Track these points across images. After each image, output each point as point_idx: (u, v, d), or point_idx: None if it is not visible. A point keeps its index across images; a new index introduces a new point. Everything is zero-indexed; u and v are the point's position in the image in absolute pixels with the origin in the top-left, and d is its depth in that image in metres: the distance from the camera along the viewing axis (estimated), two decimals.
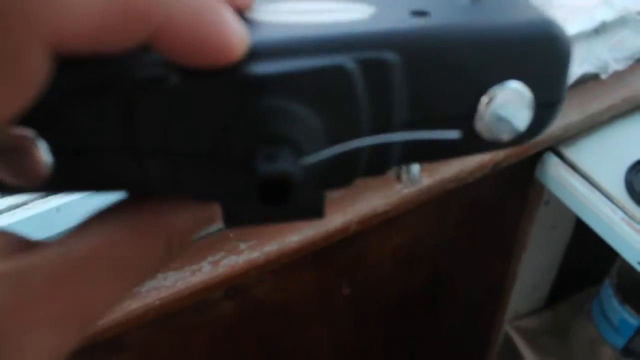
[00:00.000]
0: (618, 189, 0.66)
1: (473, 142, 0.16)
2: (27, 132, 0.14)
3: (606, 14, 0.77)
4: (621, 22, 0.77)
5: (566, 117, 0.70)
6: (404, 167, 0.64)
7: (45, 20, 0.11)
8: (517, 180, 0.79)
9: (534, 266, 0.95)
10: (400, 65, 0.14)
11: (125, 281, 0.16)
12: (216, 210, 0.18)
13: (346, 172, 0.15)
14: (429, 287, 0.92)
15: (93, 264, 0.15)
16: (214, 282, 0.61)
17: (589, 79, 0.74)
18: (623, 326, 0.83)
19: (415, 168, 0.64)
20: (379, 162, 0.15)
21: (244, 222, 0.17)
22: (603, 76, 0.73)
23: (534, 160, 0.73)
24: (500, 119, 0.15)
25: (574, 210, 0.70)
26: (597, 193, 0.67)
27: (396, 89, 0.14)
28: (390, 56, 0.14)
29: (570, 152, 0.70)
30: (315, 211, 0.16)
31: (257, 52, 0.13)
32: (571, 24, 0.76)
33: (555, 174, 0.71)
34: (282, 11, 0.16)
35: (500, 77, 0.15)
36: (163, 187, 0.16)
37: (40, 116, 0.13)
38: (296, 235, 0.63)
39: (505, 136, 0.16)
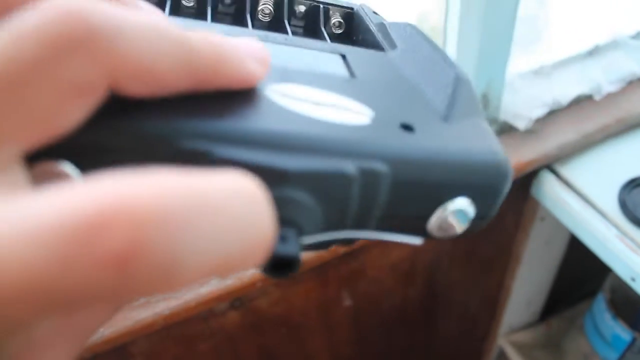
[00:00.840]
0: (612, 207, 0.68)
1: (421, 236, 0.20)
2: (67, 169, 0.14)
3: (599, 38, 0.80)
4: (614, 45, 0.81)
5: (561, 136, 0.73)
6: None
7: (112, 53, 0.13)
8: (514, 197, 0.81)
9: (529, 281, 0.97)
10: (388, 176, 0.17)
11: None
12: None
13: (325, 246, 0.19)
14: (425, 300, 0.94)
15: None
16: (221, 293, 0.63)
17: (584, 100, 0.76)
18: (615, 341, 0.86)
19: None
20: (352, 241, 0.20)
21: None
22: (597, 97, 0.76)
23: (530, 178, 0.76)
24: (445, 226, 0.19)
25: (568, 227, 0.72)
26: (592, 210, 0.69)
27: (380, 194, 0.17)
28: (382, 168, 0.17)
29: (566, 170, 0.73)
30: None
31: (282, 144, 0.16)
32: (566, 47, 0.79)
33: (551, 192, 0.73)
34: (293, 96, 0.18)
35: (456, 193, 0.19)
36: None
37: (82, 157, 0.14)
38: None
39: (444, 236, 0.19)
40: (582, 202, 0.70)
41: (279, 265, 0.15)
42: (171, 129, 0.15)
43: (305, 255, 0.64)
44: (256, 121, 0.16)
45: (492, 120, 0.72)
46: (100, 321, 0.16)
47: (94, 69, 0.12)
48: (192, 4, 0.25)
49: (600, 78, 0.76)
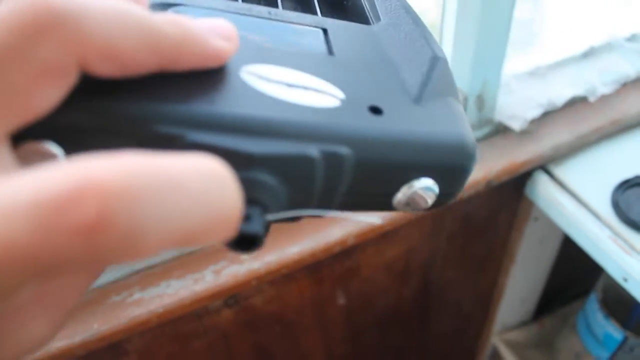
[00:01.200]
0: (605, 208, 0.69)
1: (388, 210, 0.21)
2: (51, 148, 0.16)
3: (594, 39, 0.80)
4: (608, 47, 0.81)
5: (556, 137, 0.73)
6: None
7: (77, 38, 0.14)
8: (508, 197, 0.81)
9: (522, 280, 0.97)
10: (352, 159, 0.18)
11: None
12: None
13: (292, 220, 0.20)
14: (419, 298, 0.94)
15: None
16: (215, 291, 0.63)
17: (578, 102, 0.77)
18: (607, 340, 0.86)
19: None
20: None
21: None
22: (591, 99, 0.77)
23: (525, 178, 0.76)
24: (411, 202, 0.20)
25: (562, 228, 0.73)
26: (585, 211, 0.70)
27: (344, 175, 0.18)
28: (346, 151, 0.18)
29: (560, 171, 0.73)
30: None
31: (250, 128, 0.17)
32: (561, 49, 0.79)
33: (545, 192, 0.74)
34: (266, 78, 0.19)
35: (421, 174, 0.19)
36: None
37: (65, 137, 0.16)
38: (296, 246, 0.65)
39: (410, 211, 0.20)
40: (576, 202, 0.71)
41: (244, 242, 0.16)
42: (145, 113, 0.16)
43: (300, 254, 0.64)
44: (227, 105, 0.17)
45: (488, 121, 0.72)
46: (78, 291, 0.17)
47: (62, 51, 0.13)
48: None
49: (594, 80, 0.77)
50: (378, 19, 0.25)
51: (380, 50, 0.22)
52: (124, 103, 0.16)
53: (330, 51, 0.22)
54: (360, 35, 0.23)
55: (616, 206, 0.69)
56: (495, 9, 0.60)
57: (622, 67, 0.79)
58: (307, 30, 0.23)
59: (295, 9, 0.25)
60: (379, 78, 0.21)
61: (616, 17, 0.81)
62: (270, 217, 0.17)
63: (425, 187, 0.19)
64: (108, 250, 0.11)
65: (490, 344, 1.09)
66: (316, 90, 0.19)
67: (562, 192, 0.72)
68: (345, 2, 0.28)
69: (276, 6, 0.24)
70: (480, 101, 0.69)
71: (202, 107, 0.17)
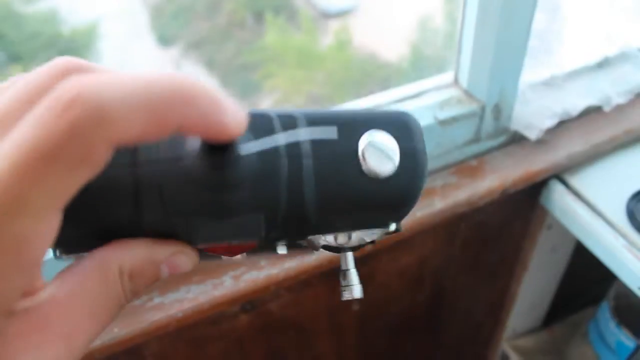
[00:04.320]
0: (620, 217, 0.69)
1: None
2: None
3: (608, 50, 0.81)
4: (623, 57, 0.82)
5: (571, 146, 0.74)
6: None
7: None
8: (522, 206, 0.82)
9: (534, 287, 0.98)
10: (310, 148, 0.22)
11: (94, 317, 0.20)
12: (172, 248, 0.22)
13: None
14: (431, 304, 0.95)
15: (63, 306, 0.20)
16: (234, 296, 0.63)
17: (593, 111, 0.77)
18: (619, 348, 0.87)
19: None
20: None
21: (205, 241, 0.23)
22: (606, 109, 0.77)
23: (539, 187, 0.77)
24: (377, 152, 0.23)
25: (577, 236, 0.73)
26: (600, 220, 0.70)
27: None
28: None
29: (575, 180, 0.74)
30: (255, 231, 0.23)
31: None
32: (575, 59, 0.80)
33: (560, 201, 0.74)
34: None
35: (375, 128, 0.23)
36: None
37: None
38: (315, 252, 0.65)
39: (384, 168, 0.23)
40: (591, 211, 0.71)
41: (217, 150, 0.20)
42: None
43: (318, 260, 0.65)
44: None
45: (504, 130, 0.73)
46: (83, 336, 0.20)
47: (98, 145, 0.17)
48: None
49: (609, 90, 0.77)
50: None
51: None
52: None
53: None
54: None
55: (631, 215, 0.69)
56: (514, 19, 0.61)
57: (636, 77, 0.80)
58: None
59: None
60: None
61: (630, 28, 0.82)
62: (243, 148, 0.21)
63: (383, 134, 0.24)
64: (83, 124, 0.16)
65: (500, 350, 1.10)
66: None
67: (577, 201, 0.72)
68: None
69: None
70: (498, 110, 0.69)
71: None
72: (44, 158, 0.15)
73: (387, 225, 0.25)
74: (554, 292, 1.04)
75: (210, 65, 1.40)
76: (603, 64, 0.80)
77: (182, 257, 0.22)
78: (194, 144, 0.21)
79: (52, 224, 0.17)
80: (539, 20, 0.70)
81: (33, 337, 0.19)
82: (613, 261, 0.69)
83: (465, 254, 0.87)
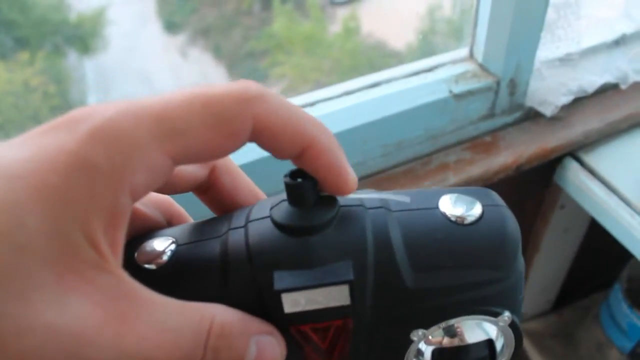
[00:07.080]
0: (636, 194, 0.69)
1: None
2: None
3: (626, 27, 0.80)
4: None
5: (586, 124, 0.73)
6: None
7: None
8: (536, 184, 0.81)
9: (545, 269, 0.97)
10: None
11: (159, 348, 0.18)
12: (263, 326, 0.21)
13: None
14: None
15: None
16: None
17: (609, 89, 0.76)
18: (632, 330, 0.86)
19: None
20: None
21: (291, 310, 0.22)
22: (623, 86, 0.76)
23: (554, 165, 0.76)
24: (459, 200, 0.24)
25: (592, 214, 0.72)
26: (615, 198, 0.69)
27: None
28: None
29: (590, 158, 0.73)
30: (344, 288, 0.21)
31: None
32: (593, 35, 0.78)
33: (575, 179, 0.73)
34: None
35: None
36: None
37: None
38: None
39: (468, 212, 0.24)
40: (606, 189, 0.70)
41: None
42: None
43: None
44: None
45: (519, 106, 0.72)
46: None
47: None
48: None
49: (626, 67, 0.76)
50: None
51: None
52: None
53: None
54: None
55: None
56: None
57: None
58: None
59: None
60: None
61: None
62: None
63: None
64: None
65: None
66: None
67: (592, 179, 0.72)
68: None
69: None
70: (513, 85, 0.68)
71: None
72: None
73: (496, 304, 0.23)
74: (564, 275, 1.03)
75: (217, 52, 1.39)
76: (620, 41, 0.79)
77: (272, 339, 0.21)
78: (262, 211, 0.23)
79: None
80: None
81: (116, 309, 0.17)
82: (629, 239, 0.68)
83: None
